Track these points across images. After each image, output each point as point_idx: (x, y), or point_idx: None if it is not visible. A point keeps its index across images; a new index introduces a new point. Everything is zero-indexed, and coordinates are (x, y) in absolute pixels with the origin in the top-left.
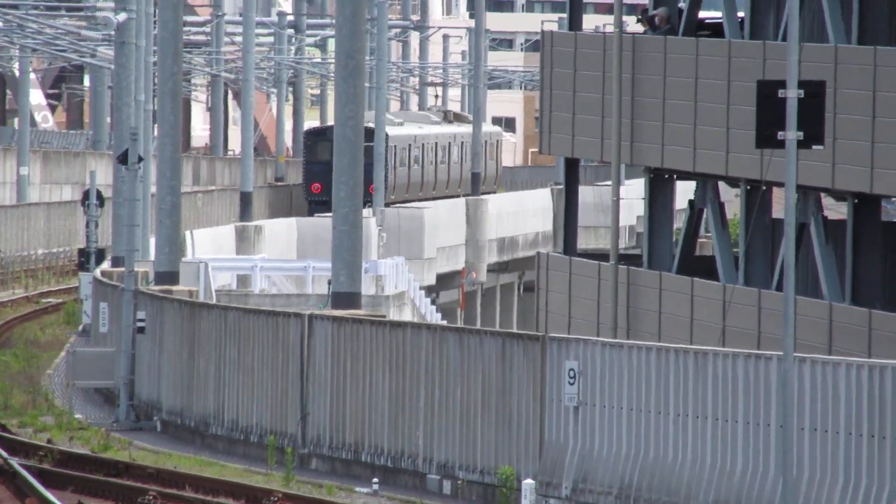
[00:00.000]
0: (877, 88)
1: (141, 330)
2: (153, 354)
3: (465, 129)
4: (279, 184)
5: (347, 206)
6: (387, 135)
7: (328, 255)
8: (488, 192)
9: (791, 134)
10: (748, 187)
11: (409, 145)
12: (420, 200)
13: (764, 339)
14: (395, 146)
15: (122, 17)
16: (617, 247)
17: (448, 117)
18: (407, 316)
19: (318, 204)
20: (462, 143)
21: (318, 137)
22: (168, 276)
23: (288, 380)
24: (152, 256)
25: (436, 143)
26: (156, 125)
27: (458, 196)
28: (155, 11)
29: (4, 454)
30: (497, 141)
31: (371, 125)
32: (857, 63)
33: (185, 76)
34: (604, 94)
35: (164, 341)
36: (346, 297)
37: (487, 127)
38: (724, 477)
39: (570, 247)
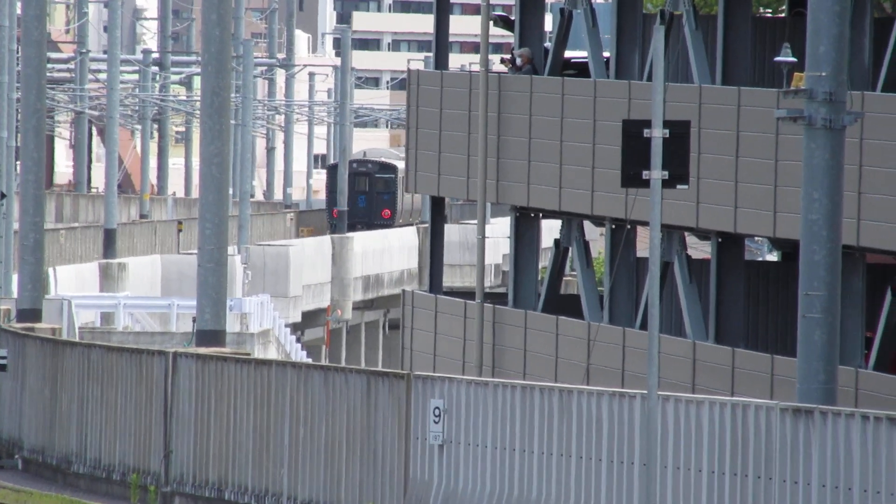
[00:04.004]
0: (741, 128)
1: (2, 367)
2: (15, 392)
3: None
4: (144, 220)
5: (213, 243)
6: (396, 167)
7: (193, 293)
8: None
9: (656, 173)
10: (613, 226)
11: None
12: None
13: (628, 377)
14: (403, 178)
15: None
16: (482, 285)
17: None
18: (272, 354)
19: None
20: None
21: (337, 170)
22: (31, 314)
23: (151, 418)
24: (15, 294)
25: None
26: (19, 162)
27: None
28: (18, 48)
29: None
30: None
31: (385, 160)
32: (721, 103)
33: (48, 113)
34: (469, 133)
35: (27, 379)
36: (210, 335)
37: None
38: None
39: (435, 285)
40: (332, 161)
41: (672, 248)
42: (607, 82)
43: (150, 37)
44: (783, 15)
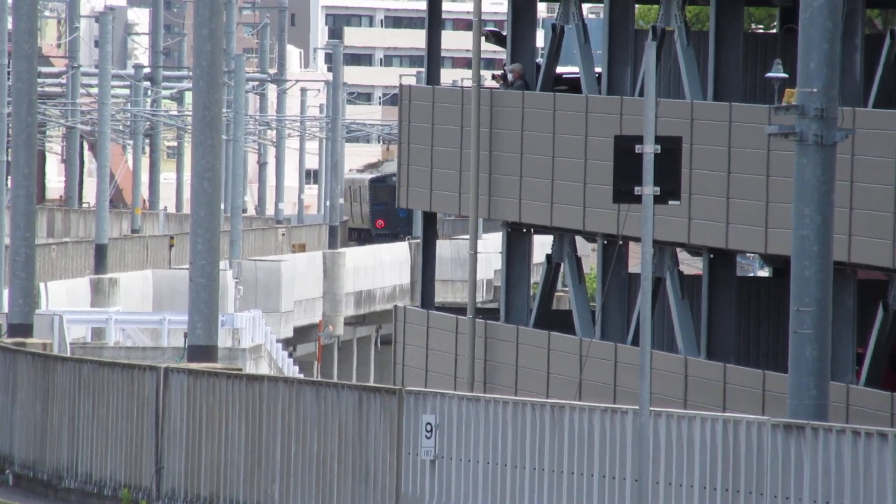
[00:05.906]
0: (732, 144)
1: None
2: (6, 407)
3: None
4: (135, 235)
5: (204, 258)
6: None
7: (184, 308)
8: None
9: (647, 189)
10: (605, 242)
11: None
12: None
13: (620, 392)
14: None
15: None
16: (474, 300)
17: None
18: (263, 369)
19: (381, 237)
20: None
21: (379, 183)
22: (22, 329)
23: (143, 433)
24: (6, 308)
25: None
26: (9, 176)
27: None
28: (9, 62)
29: None
30: None
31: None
32: (712, 119)
33: (39, 127)
34: (462, 148)
35: (18, 394)
36: (202, 350)
37: None
38: None
39: (427, 300)
40: (377, 175)
41: (664, 264)
42: (599, 98)
43: (141, 52)
44: (774, 31)
